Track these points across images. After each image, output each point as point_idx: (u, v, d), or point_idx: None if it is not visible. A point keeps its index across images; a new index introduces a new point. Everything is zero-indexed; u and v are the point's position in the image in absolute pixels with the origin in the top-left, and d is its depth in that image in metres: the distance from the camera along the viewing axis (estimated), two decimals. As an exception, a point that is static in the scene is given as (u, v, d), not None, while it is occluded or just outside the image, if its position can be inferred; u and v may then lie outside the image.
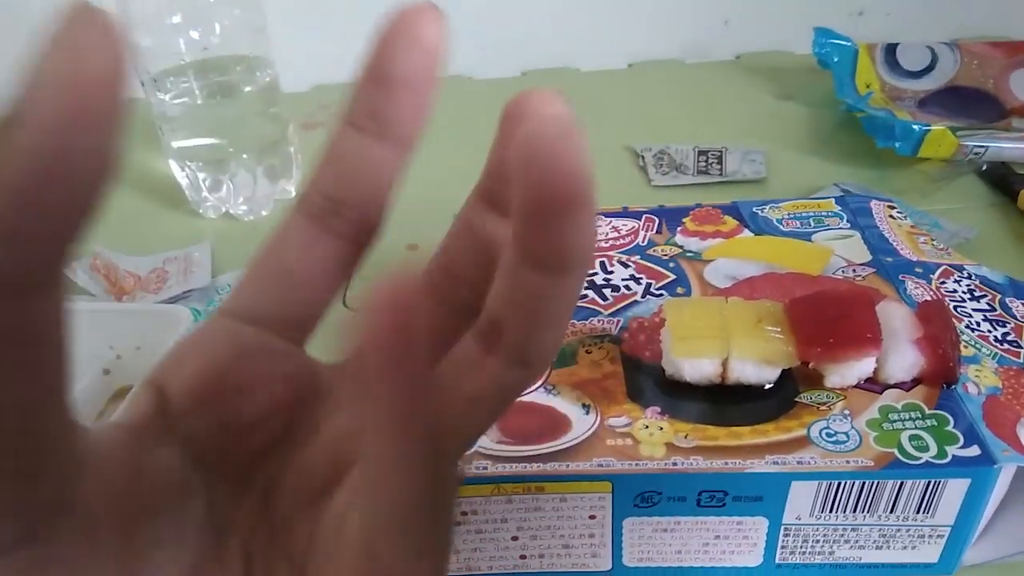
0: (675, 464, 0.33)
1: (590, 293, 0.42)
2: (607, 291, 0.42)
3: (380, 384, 0.15)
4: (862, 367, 0.35)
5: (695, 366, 0.35)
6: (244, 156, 0.61)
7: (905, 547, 0.35)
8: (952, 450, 0.33)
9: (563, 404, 0.36)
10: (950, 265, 0.43)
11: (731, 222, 0.47)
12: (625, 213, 0.48)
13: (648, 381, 0.37)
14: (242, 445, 0.20)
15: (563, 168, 0.15)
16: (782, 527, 0.34)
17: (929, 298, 0.40)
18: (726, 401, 0.35)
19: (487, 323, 0.19)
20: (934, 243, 0.46)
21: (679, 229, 0.47)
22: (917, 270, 0.42)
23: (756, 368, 0.35)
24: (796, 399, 0.35)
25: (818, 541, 0.35)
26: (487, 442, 0.34)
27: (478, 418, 0.20)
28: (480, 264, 0.22)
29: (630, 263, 0.44)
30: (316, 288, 0.21)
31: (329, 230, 0.21)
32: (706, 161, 0.66)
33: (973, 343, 0.38)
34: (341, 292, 0.22)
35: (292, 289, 0.21)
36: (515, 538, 0.35)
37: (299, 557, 0.20)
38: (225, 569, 0.19)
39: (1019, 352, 0.38)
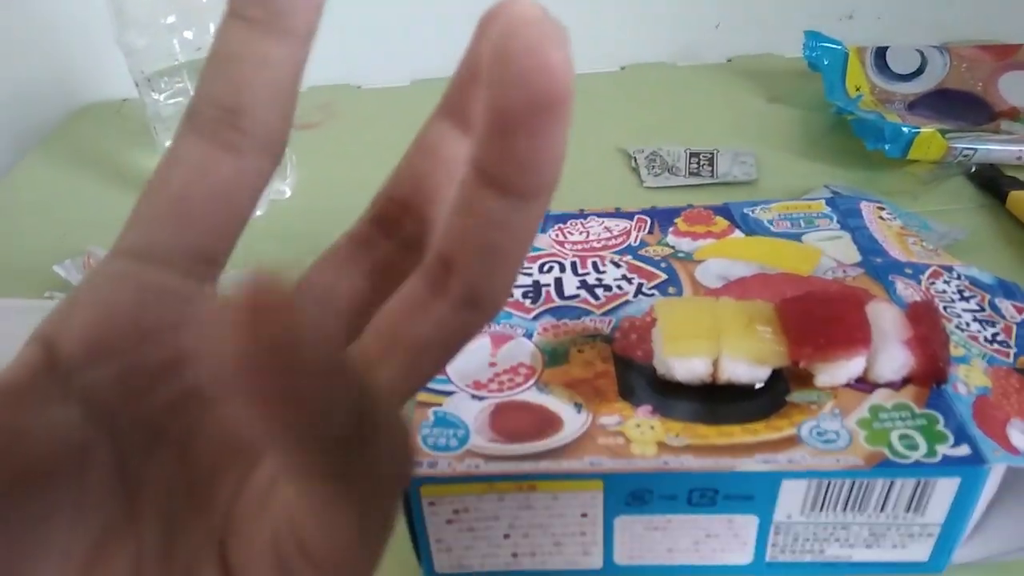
0: (666, 463, 0.33)
1: (582, 293, 0.42)
2: (599, 291, 0.42)
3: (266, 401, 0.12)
4: (852, 367, 0.35)
5: (686, 365, 0.35)
6: (237, 156, 0.61)
7: (895, 545, 0.35)
8: (942, 449, 0.33)
9: (555, 403, 0.36)
10: (940, 266, 0.43)
11: (722, 223, 0.47)
12: (617, 214, 0.49)
13: (640, 380, 0.37)
14: (151, 396, 0.18)
15: (546, 63, 0.13)
16: (772, 525, 0.34)
17: (919, 298, 0.40)
18: (717, 400, 0.35)
19: (436, 261, 0.17)
20: (923, 244, 0.46)
21: (671, 230, 0.47)
22: (907, 271, 0.42)
23: (747, 367, 0.35)
24: (786, 398, 0.35)
25: (808, 539, 0.35)
26: (479, 441, 0.34)
27: (424, 366, 0.18)
28: (432, 191, 0.20)
29: (622, 263, 0.44)
30: (219, 216, 0.19)
31: (226, 147, 0.18)
32: (697, 163, 0.66)
33: (963, 343, 0.38)
34: (250, 218, 0.20)
35: (191, 219, 0.19)
36: (507, 536, 0.35)
37: (220, 519, 0.18)
38: (140, 529, 0.18)
39: (1009, 352, 0.38)
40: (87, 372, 0.18)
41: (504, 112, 0.14)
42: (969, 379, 0.36)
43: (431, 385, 0.37)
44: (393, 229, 0.21)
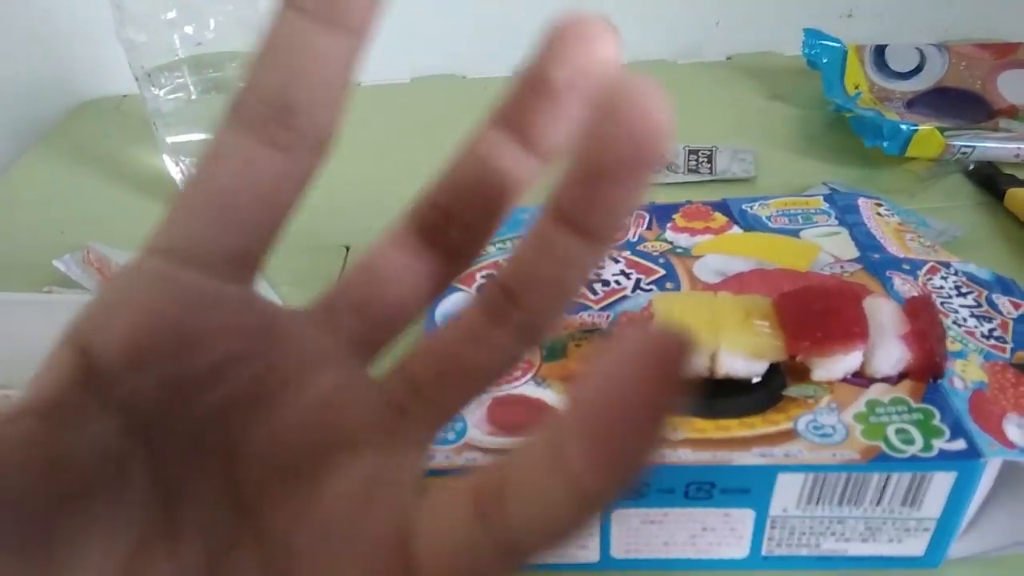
0: (663, 456, 0.33)
1: (580, 288, 0.42)
2: (597, 286, 0.42)
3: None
4: (849, 361, 0.35)
5: (684, 360, 0.35)
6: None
7: (891, 540, 0.35)
8: (938, 444, 0.33)
9: (553, 397, 0.36)
10: (937, 262, 0.43)
11: (720, 219, 0.47)
12: (616, 210, 0.49)
13: (637, 375, 0.37)
14: (191, 407, 0.17)
15: (656, 127, 0.14)
16: (769, 519, 0.34)
17: (916, 294, 0.40)
18: (714, 394, 0.36)
19: (499, 292, 0.17)
20: (921, 240, 0.46)
21: (669, 225, 0.47)
22: (904, 266, 0.43)
23: (744, 361, 0.35)
24: (783, 392, 0.35)
25: (804, 533, 0.35)
26: (477, 434, 0.34)
27: (471, 392, 0.18)
28: (480, 201, 0.19)
29: (620, 258, 0.44)
30: (264, 217, 0.18)
31: (273, 143, 0.17)
32: (696, 160, 0.66)
33: (960, 338, 0.38)
34: (291, 220, 0.19)
35: (235, 220, 0.18)
36: (505, 530, 0.35)
37: (278, 536, 0.17)
38: (179, 545, 0.17)
39: (1005, 347, 0.38)
40: (127, 381, 0.17)
41: (602, 164, 0.14)
42: (966, 374, 0.36)
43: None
44: (437, 238, 0.20)
